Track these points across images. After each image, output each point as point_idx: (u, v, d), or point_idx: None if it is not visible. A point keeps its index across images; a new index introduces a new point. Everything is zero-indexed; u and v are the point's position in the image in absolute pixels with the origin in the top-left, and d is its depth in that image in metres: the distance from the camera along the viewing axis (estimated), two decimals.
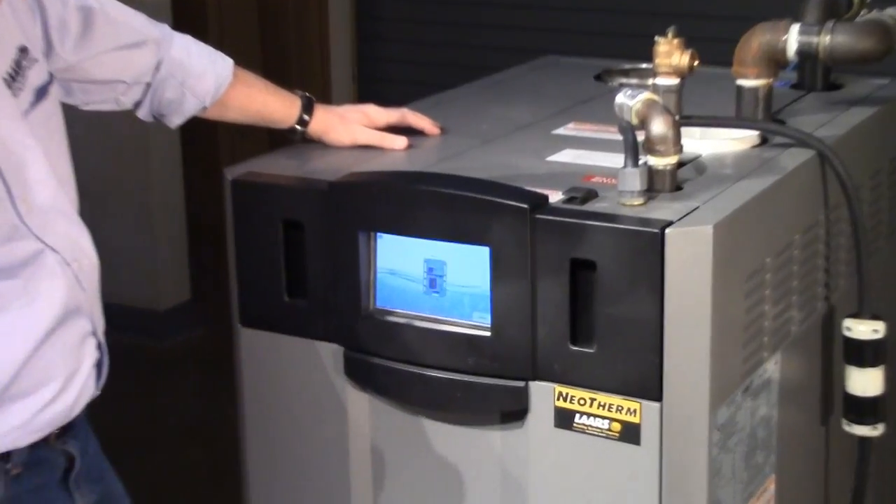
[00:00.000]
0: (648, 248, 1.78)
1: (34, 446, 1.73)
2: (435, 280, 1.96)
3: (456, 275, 1.94)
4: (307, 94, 2.26)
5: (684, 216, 1.82)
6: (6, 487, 1.70)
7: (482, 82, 2.77)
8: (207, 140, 4.74)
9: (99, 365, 1.80)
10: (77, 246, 1.77)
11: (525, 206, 1.86)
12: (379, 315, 2.01)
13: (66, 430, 1.78)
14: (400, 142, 2.21)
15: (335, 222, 2.01)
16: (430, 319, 1.97)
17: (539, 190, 1.92)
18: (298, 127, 2.23)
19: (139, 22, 2.12)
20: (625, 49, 3.00)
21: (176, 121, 2.21)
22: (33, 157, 1.72)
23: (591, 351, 1.85)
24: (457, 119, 2.27)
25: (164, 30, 2.16)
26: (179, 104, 2.17)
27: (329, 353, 2.06)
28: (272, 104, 2.25)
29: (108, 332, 1.87)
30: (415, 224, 1.96)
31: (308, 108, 2.24)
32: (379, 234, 1.99)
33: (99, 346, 1.80)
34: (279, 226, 2.07)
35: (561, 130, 2.29)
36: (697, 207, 1.85)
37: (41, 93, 1.78)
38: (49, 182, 1.74)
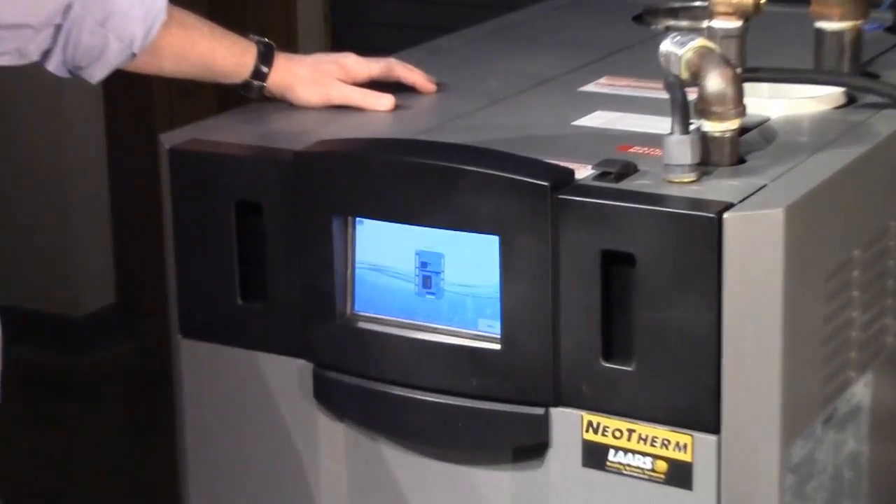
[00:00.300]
0: (702, 237, 1.78)
1: None
2: (430, 278, 1.97)
3: (456, 271, 1.96)
4: (265, 39, 2.24)
5: (748, 197, 1.82)
6: None
7: (490, 25, 2.78)
8: (138, 100, 4.72)
9: None
10: None
11: (545, 183, 1.86)
12: (358, 322, 2.02)
13: None
14: (385, 101, 2.20)
15: (302, 203, 2.01)
16: (423, 328, 1.98)
17: (563, 163, 1.93)
18: (255, 81, 2.22)
19: None
20: None
21: (97, 73, 2.19)
22: None
23: (629, 369, 1.86)
24: (458, 72, 2.27)
25: None
26: (100, 51, 2.15)
27: (295, 371, 2.07)
28: (219, 51, 2.22)
29: (8, 342, 1.91)
30: (404, 206, 1.96)
31: (266, 57, 2.23)
32: (358, 218, 2.00)
33: None
34: (231, 208, 2.07)
35: (591, 87, 2.31)
36: (765, 185, 1.86)
37: None
38: None
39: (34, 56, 2.14)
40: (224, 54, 2.22)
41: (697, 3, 2.62)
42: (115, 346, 4.74)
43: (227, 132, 2.16)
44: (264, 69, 2.22)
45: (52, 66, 2.18)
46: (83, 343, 4.69)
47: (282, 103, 2.27)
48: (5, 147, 4.66)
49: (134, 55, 2.16)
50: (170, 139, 2.13)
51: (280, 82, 2.23)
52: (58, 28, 2.12)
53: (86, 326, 4.74)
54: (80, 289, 4.77)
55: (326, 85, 2.23)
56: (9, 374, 1.88)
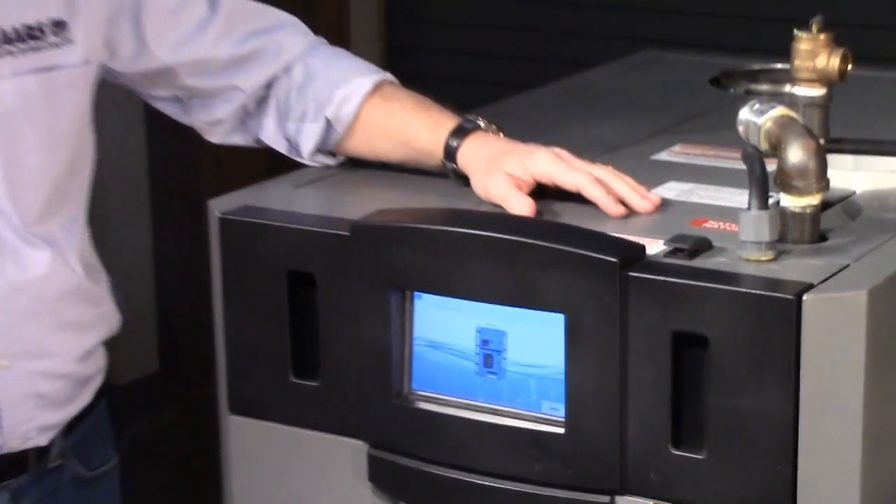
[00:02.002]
0: (780, 319, 1.79)
1: None
2: (491, 357, 1.98)
3: (519, 351, 1.96)
4: (474, 117, 2.20)
5: (829, 277, 1.83)
6: None
7: (559, 86, 2.79)
8: (184, 157, 4.78)
9: None
10: None
11: (614, 259, 1.87)
12: (415, 402, 2.03)
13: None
14: (524, 208, 2.06)
15: (358, 276, 2.03)
16: (483, 409, 1.99)
17: (633, 238, 1.95)
18: (447, 162, 2.18)
19: (268, 13, 2.26)
20: (751, 40, 3.04)
21: (307, 144, 2.25)
22: None
23: (700, 457, 1.86)
24: (524, 137, 2.24)
25: (296, 33, 2.27)
26: (301, 118, 2.23)
27: (349, 451, 2.08)
28: (413, 123, 2.20)
29: None
30: (464, 281, 1.97)
31: (459, 132, 2.17)
32: (416, 293, 2.02)
33: None
34: (283, 279, 2.09)
35: (664, 155, 2.32)
36: (848, 265, 1.87)
37: (46, 69, 2.03)
38: None
39: (254, 127, 2.26)
40: (418, 127, 2.20)
41: (779, 66, 2.60)
42: (156, 417, 4.76)
43: (280, 199, 2.17)
44: (453, 144, 2.17)
45: (268, 133, 2.26)
46: (124, 413, 4.72)
47: (335, 169, 2.28)
48: None
49: (328, 122, 2.21)
50: (220, 205, 2.15)
51: (465, 164, 2.17)
52: (266, 95, 2.22)
53: (127, 396, 4.77)
54: (123, 357, 4.80)
55: (494, 177, 2.11)
56: None
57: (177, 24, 2.19)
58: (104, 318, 2.22)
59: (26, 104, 2.03)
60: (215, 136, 2.30)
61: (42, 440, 2.11)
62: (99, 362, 2.24)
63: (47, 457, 2.13)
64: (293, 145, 2.26)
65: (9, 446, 2.07)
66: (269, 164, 2.30)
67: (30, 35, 2.02)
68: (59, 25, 2.05)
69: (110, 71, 2.20)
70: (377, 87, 2.22)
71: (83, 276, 2.13)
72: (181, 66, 2.21)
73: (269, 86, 2.25)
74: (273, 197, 2.18)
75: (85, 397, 2.19)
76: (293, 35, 2.27)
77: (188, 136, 2.34)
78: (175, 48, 2.19)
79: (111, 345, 4.79)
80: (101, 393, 2.25)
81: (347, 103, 2.20)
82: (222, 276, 2.15)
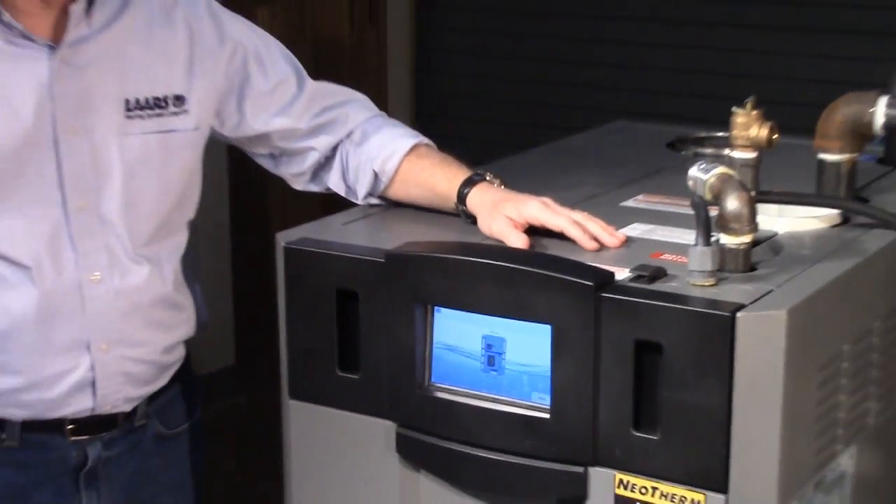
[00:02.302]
0: (718, 332, 1.80)
1: (38, 428, 2.08)
2: (494, 357, 1.98)
3: (515, 353, 1.96)
4: (482, 172, 2.21)
5: (757, 299, 1.83)
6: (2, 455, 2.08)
7: (549, 147, 2.79)
8: (257, 199, 4.79)
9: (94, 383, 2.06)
10: (99, 266, 2.02)
11: (590, 283, 1.88)
12: (434, 391, 2.03)
13: (87, 431, 2.11)
14: (519, 242, 2.06)
15: (391, 294, 2.03)
16: (487, 398, 1.99)
17: (605, 266, 1.94)
18: (460, 205, 2.17)
19: (341, 91, 2.29)
20: (699, 114, 3.04)
21: (360, 191, 2.26)
22: (109, 171, 2.04)
23: (655, 437, 1.86)
24: (522, 187, 2.26)
25: (362, 108, 2.29)
26: (356, 174, 2.24)
27: (381, 430, 2.08)
28: (437, 176, 2.21)
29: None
30: (474, 298, 1.97)
31: (469, 182, 2.17)
32: (436, 307, 2.01)
33: (93, 365, 2.05)
34: (333, 295, 2.09)
35: (630, 202, 2.31)
36: (771, 290, 1.87)
37: (166, 131, 2.09)
38: (112, 198, 2.04)
39: (325, 177, 2.29)
40: (439, 178, 2.20)
41: (720, 134, 2.58)
42: (231, 401, 4.76)
43: (331, 233, 2.17)
44: (465, 191, 2.15)
45: (334, 181, 2.28)
46: (206, 397, 4.72)
47: (378, 208, 2.27)
48: None
49: (376, 174, 2.22)
50: (284, 237, 2.15)
51: (473, 207, 2.15)
52: (333, 155, 2.25)
53: (209, 383, 4.77)
54: (206, 352, 4.80)
55: (495, 219, 2.10)
56: None
57: (271, 102, 2.21)
58: (186, 322, 2.24)
59: (147, 157, 2.08)
60: (298, 185, 2.32)
61: (127, 408, 2.14)
62: (178, 354, 2.25)
63: (133, 418, 2.16)
64: (351, 191, 2.27)
65: (100, 410, 2.10)
66: (322, 205, 2.30)
67: (156, 104, 2.08)
68: (179, 99, 2.10)
69: (218, 134, 2.23)
70: (413, 148, 2.22)
71: (172, 289, 2.16)
72: (273, 133, 2.24)
73: (335, 147, 2.27)
74: (326, 231, 2.18)
75: (164, 379, 2.21)
76: (358, 109, 2.28)
77: (259, 185, 2.35)
78: (269, 120, 2.22)
79: (200, 343, 4.79)
80: (178, 376, 2.27)
81: (391, 160, 2.21)
82: (285, 292, 2.15)
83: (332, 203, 2.33)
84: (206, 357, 4.79)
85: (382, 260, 2.04)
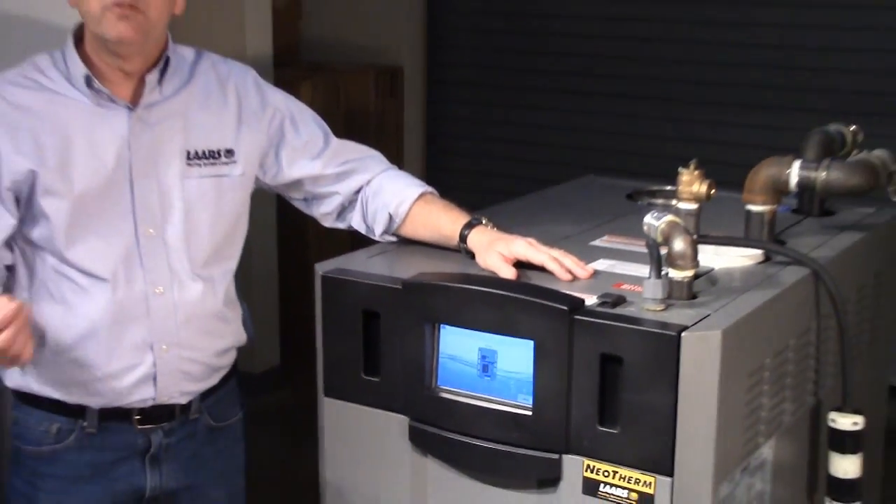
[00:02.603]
0: (667, 347, 1.79)
1: (111, 417, 2.08)
2: (487, 366, 1.97)
3: (505, 362, 1.95)
4: (480, 217, 2.18)
5: (698, 322, 1.83)
6: (82, 440, 2.08)
7: (532, 197, 2.77)
8: (299, 236, 4.78)
9: (155, 377, 2.07)
10: (162, 281, 2.04)
11: (565, 307, 1.87)
12: (439, 392, 2.02)
13: (151, 421, 2.10)
14: (509, 274, 2.04)
15: (406, 314, 2.02)
16: (482, 399, 1.97)
17: (577, 294, 1.94)
18: (461, 243, 2.15)
19: (360, 148, 2.27)
20: (652, 170, 3.03)
21: (378, 230, 2.24)
22: (172, 206, 2.05)
23: (616, 431, 1.86)
24: (510, 230, 2.24)
25: (378, 161, 2.27)
26: (374, 216, 2.22)
27: (397, 423, 2.07)
28: (443, 222, 2.18)
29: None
30: (472, 318, 1.96)
31: (469, 226, 2.15)
32: (442, 325, 2.00)
33: (155, 362, 2.06)
34: (360, 315, 2.08)
35: (597, 242, 2.29)
36: (709, 315, 1.86)
37: (218, 176, 2.11)
38: (175, 227, 2.05)
39: (349, 217, 2.27)
40: (444, 221, 2.18)
41: (668, 188, 2.59)
42: (278, 394, 4.75)
43: (358, 264, 2.16)
44: (465, 232, 2.13)
45: (356, 221, 2.26)
46: (257, 391, 4.70)
47: (397, 244, 2.25)
48: None
49: (392, 218, 2.20)
50: (321, 267, 2.14)
51: (472, 245, 2.13)
52: (356, 199, 2.23)
53: (260, 379, 4.76)
54: (258, 356, 4.80)
55: (490, 255, 2.08)
56: None
57: (302, 154, 2.21)
58: (233, 334, 2.22)
59: (202, 197, 2.08)
60: (327, 223, 2.30)
61: (182, 400, 2.13)
62: (227, 360, 2.23)
63: (188, 411, 2.15)
64: (370, 229, 2.25)
65: (160, 401, 2.09)
66: (351, 242, 2.29)
67: (211, 155, 2.09)
68: (229, 152, 2.11)
69: (263, 183, 2.23)
70: (421, 196, 2.22)
71: (222, 305, 2.15)
72: (304, 179, 2.23)
73: (357, 192, 2.25)
74: (354, 263, 2.17)
75: (214, 379, 2.19)
76: (374, 162, 2.27)
77: (300, 225, 2.35)
78: (300, 169, 2.21)
79: (254, 349, 4.76)
80: (226, 379, 2.24)
81: (402, 205, 2.20)
82: (322, 311, 2.14)
83: (359, 240, 2.32)
84: (258, 360, 4.79)
85: (399, 287, 2.03)
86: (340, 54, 5.43)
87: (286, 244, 4.82)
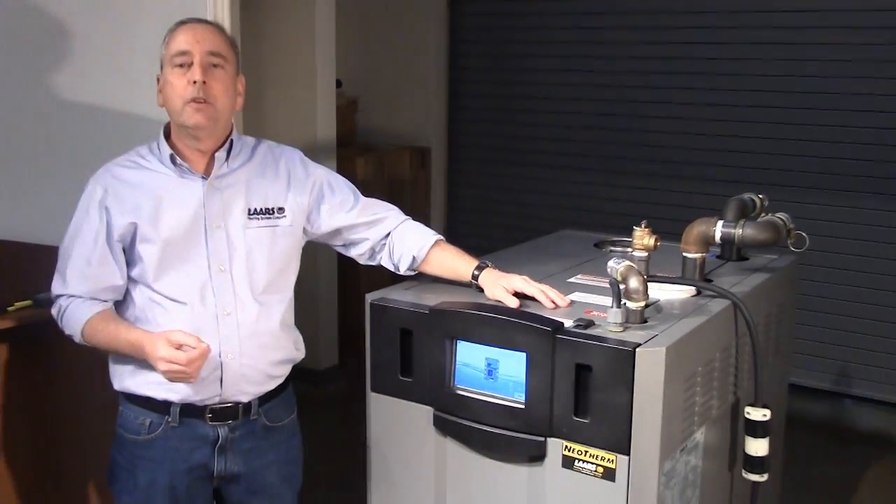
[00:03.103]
0: (625, 359, 1.78)
1: (189, 414, 2.02)
2: (492, 371, 1.95)
3: (505, 368, 1.93)
4: (487, 262, 2.15)
5: (648, 340, 1.81)
6: (167, 431, 2.03)
7: (522, 246, 2.75)
8: (353, 272, 4.76)
9: (221, 379, 2.02)
10: (229, 305, 2.01)
11: (549, 328, 1.86)
12: (456, 390, 2.00)
13: (220, 419, 2.04)
14: (512, 303, 2.02)
15: (432, 332, 2.01)
16: (487, 395, 1.96)
17: (558, 318, 1.92)
18: (473, 281, 2.11)
19: (383, 204, 2.23)
20: (613, 226, 3.02)
21: (402, 267, 2.19)
22: (237, 249, 2.02)
23: (587, 421, 1.84)
24: (508, 270, 2.22)
25: (398, 214, 2.22)
26: (398, 257, 2.18)
27: (424, 413, 2.05)
28: (457, 264, 2.15)
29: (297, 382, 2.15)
30: (481, 335, 1.95)
31: (480, 268, 2.12)
32: (458, 340, 1.99)
33: (221, 367, 2.01)
34: (398, 332, 2.07)
35: (573, 279, 2.28)
36: (657, 335, 1.85)
37: (272, 226, 2.06)
38: (240, 265, 2.02)
39: (378, 258, 2.21)
40: (459, 264, 2.15)
41: (625, 239, 2.55)
42: (336, 387, 4.72)
43: (397, 294, 2.14)
44: (476, 273, 2.10)
45: (384, 260, 2.20)
46: (321, 382, 4.70)
47: (427, 280, 2.21)
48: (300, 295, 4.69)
49: (416, 260, 2.17)
50: (370, 297, 2.12)
51: (482, 283, 2.09)
52: (384, 243, 2.19)
53: (323, 375, 4.76)
54: (320, 354, 4.78)
55: (496, 289, 2.06)
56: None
57: (339, 209, 2.16)
58: (287, 350, 2.14)
59: (259, 242, 2.05)
60: (361, 261, 2.25)
61: (244, 399, 2.06)
62: (282, 371, 2.14)
63: (249, 412, 2.08)
64: (396, 267, 2.20)
65: (225, 398, 2.04)
66: (390, 278, 2.26)
67: (267, 212, 2.06)
68: (281, 209, 2.08)
69: (311, 233, 2.17)
70: (436, 243, 2.18)
71: (277, 326, 2.08)
72: (342, 228, 2.17)
73: (385, 237, 2.20)
74: (394, 293, 2.15)
75: (271, 385, 2.11)
76: (396, 214, 2.23)
77: (354, 263, 2.31)
78: (338, 220, 2.16)
79: (319, 352, 4.75)
80: (283, 387, 2.16)
81: (423, 250, 2.17)
82: (370, 328, 2.12)
83: (398, 277, 2.27)
84: (322, 359, 4.77)
85: (427, 312, 2.02)
86: (385, 138, 5.45)
87: (344, 276, 4.81)
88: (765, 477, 2.12)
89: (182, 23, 2.01)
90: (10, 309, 2.41)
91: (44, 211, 3.08)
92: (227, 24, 2.81)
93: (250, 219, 2.04)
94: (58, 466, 2.60)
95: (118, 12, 2.95)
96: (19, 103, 3.15)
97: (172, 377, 1.91)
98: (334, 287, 4.81)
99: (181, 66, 1.96)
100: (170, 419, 2.03)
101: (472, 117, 5.38)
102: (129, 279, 2.02)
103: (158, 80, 2.02)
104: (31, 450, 2.53)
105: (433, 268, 2.18)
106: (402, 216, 2.24)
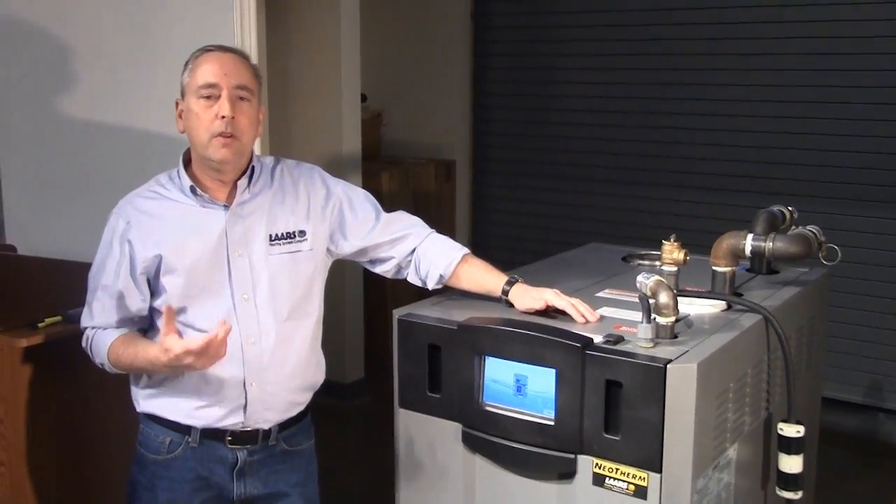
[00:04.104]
0: (656, 375, 1.76)
1: (209, 437, 2.02)
2: (521, 387, 1.94)
3: (534, 385, 1.92)
4: (515, 277, 2.13)
5: (679, 356, 1.80)
6: (186, 451, 2.02)
7: (551, 259, 2.74)
8: (379, 287, 4.77)
9: (245, 406, 2.01)
10: (253, 334, 1.99)
11: (578, 344, 1.85)
12: (485, 406, 1.98)
13: (239, 443, 2.03)
14: (540, 305, 2.03)
15: (460, 347, 2.00)
16: (516, 412, 1.94)
17: (587, 334, 1.91)
18: (503, 296, 2.10)
19: (406, 218, 2.20)
20: (643, 236, 3.01)
21: (430, 284, 2.17)
22: (260, 276, 2.00)
23: (618, 438, 1.82)
24: (537, 284, 2.20)
25: (421, 228, 2.20)
26: (426, 272, 2.16)
27: (452, 429, 2.04)
28: (486, 277, 2.14)
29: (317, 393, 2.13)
30: (509, 351, 1.94)
31: (510, 283, 2.11)
32: (487, 356, 1.97)
33: (245, 395, 2.00)
34: (426, 347, 2.06)
35: (601, 294, 2.27)
36: (687, 350, 1.83)
37: (294, 251, 2.04)
38: (263, 292, 2.00)
39: (404, 273, 2.19)
40: (488, 279, 2.13)
41: (654, 252, 2.53)
42: (361, 400, 4.72)
43: (425, 310, 2.13)
44: (507, 288, 2.09)
45: (411, 277, 2.19)
46: (347, 396, 4.69)
47: (454, 295, 2.20)
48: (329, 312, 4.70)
49: (443, 277, 2.15)
50: (398, 312, 2.12)
51: (512, 298, 2.08)
52: (410, 259, 2.17)
53: (349, 388, 4.75)
54: (346, 368, 4.78)
55: (526, 301, 2.06)
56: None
57: (361, 228, 2.14)
58: (311, 376, 2.12)
59: (281, 266, 2.03)
60: (388, 276, 2.23)
61: (265, 426, 2.05)
62: (304, 398, 2.12)
63: (268, 438, 2.06)
64: (423, 282, 2.18)
65: (248, 426, 2.03)
66: (417, 290, 2.25)
67: (288, 236, 2.04)
68: (302, 233, 2.05)
69: (334, 252, 2.15)
70: (464, 257, 2.16)
71: (302, 353, 2.07)
72: (367, 247, 2.15)
73: (410, 253, 2.18)
74: (421, 309, 2.14)
75: (293, 412, 2.10)
76: (419, 228, 2.20)
77: (380, 277, 2.29)
78: (361, 239, 2.14)
79: (346, 366, 4.75)
80: (304, 414, 2.14)
81: (450, 266, 2.14)
82: (398, 344, 2.11)
83: (424, 293, 2.27)
84: (349, 373, 4.77)
85: (456, 327, 2.01)
86: (410, 151, 5.46)
87: (369, 289, 4.81)
88: (799, 494, 2.09)
89: (207, 50, 1.99)
90: (40, 325, 2.42)
91: (74, 228, 3.11)
92: (253, 49, 2.83)
93: (272, 245, 2.02)
94: (85, 483, 2.61)
95: (146, 35, 2.98)
96: (50, 126, 3.19)
97: (198, 364, 1.85)
98: (360, 300, 4.81)
99: (208, 97, 1.94)
100: (190, 439, 2.02)
101: (496, 130, 5.37)
102: (153, 309, 2.02)
103: (177, 104, 2.01)
104: (59, 465, 2.54)
105: (461, 283, 2.16)
106: (427, 230, 2.22)
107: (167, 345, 1.84)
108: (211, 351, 1.83)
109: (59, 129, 3.18)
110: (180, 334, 1.87)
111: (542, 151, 5.19)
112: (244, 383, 1.99)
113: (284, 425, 2.08)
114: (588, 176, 5.04)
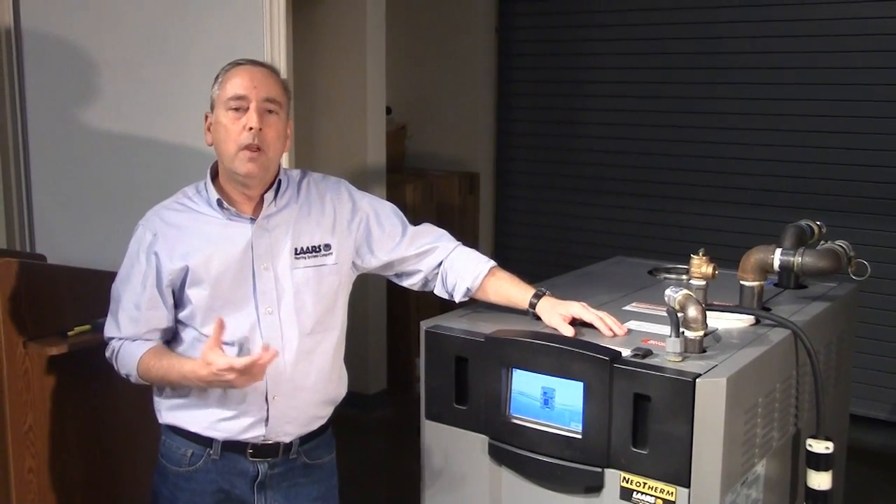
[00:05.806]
0: (685, 390, 1.75)
1: (230, 449, 2.01)
2: (548, 400, 1.93)
3: (561, 398, 1.91)
4: (543, 290, 2.12)
5: (708, 371, 1.79)
6: (208, 464, 2.02)
7: (576, 272, 2.73)
8: (404, 300, 4.77)
9: (267, 419, 2.01)
10: (276, 344, 1.97)
11: (607, 358, 1.84)
12: (512, 419, 1.98)
13: (260, 456, 2.03)
14: (568, 331, 2.01)
15: (487, 360, 1.99)
16: (543, 424, 1.94)
17: (615, 347, 1.90)
18: (530, 309, 2.10)
19: (432, 231, 2.20)
20: (670, 252, 3.00)
21: (457, 296, 2.16)
22: (284, 290, 1.99)
23: (646, 452, 1.81)
24: (564, 297, 2.19)
25: (448, 240, 2.19)
26: (453, 286, 2.15)
27: (479, 441, 2.03)
28: (512, 290, 2.13)
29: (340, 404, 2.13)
30: (536, 364, 1.93)
31: (536, 296, 2.09)
32: (514, 368, 1.97)
33: (267, 409, 2.00)
34: (453, 359, 2.05)
35: (628, 307, 2.26)
36: (716, 365, 1.82)
37: (319, 265, 2.03)
38: (287, 306, 1.99)
39: (431, 286, 2.18)
40: (515, 292, 2.13)
41: (683, 267, 2.54)
42: (384, 412, 4.72)
43: (452, 322, 2.13)
44: (534, 301, 2.08)
45: (438, 290, 2.18)
46: (370, 407, 4.69)
47: (480, 307, 2.19)
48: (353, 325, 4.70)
49: (470, 290, 2.14)
50: (425, 324, 2.12)
51: (539, 311, 2.07)
52: (437, 272, 2.16)
53: (371, 399, 4.75)
54: (369, 379, 4.78)
55: (552, 315, 2.04)
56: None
57: (387, 242, 2.14)
58: (333, 391, 2.12)
59: (306, 280, 2.02)
60: (415, 289, 2.24)
61: (286, 439, 2.05)
62: (327, 411, 2.12)
63: (289, 451, 2.06)
64: (450, 295, 2.18)
65: (269, 439, 2.02)
66: (440, 302, 2.25)
67: (313, 250, 2.04)
68: (327, 246, 2.05)
69: (360, 266, 2.15)
70: (490, 270, 2.16)
71: (324, 367, 2.06)
72: (393, 261, 2.15)
73: (437, 266, 2.18)
74: (449, 321, 2.14)
75: (314, 426, 2.10)
76: (447, 241, 2.20)
77: (403, 289, 2.29)
78: (387, 254, 2.14)
79: (369, 377, 4.74)
80: (325, 428, 2.14)
81: (477, 279, 2.14)
82: (425, 356, 2.10)
83: (449, 306, 2.27)
84: (371, 384, 4.76)
85: (483, 340, 2.00)
86: (434, 164, 5.47)
87: (393, 302, 4.80)
88: None
89: (238, 64, 2.00)
90: (70, 334, 2.44)
91: (103, 238, 3.14)
92: (282, 63, 2.84)
93: (297, 258, 2.02)
94: (111, 491, 2.62)
95: (176, 49, 3.01)
96: (80, 137, 3.23)
97: (235, 382, 1.88)
98: (383, 311, 4.81)
99: (236, 109, 1.95)
100: (211, 451, 2.02)
101: (520, 142, 5.38)
102: (177, 321, 2.02)
103: (206, 117, 2.02)
104: (85, 473, 2.55)
105: (489, 295, 2.16)
106: (453, 243, 2.22)
107: (210, 358, 1.85)
108: (254, 370, 1.85)
109: (88, 141, 3.21)
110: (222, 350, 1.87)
111: (566, 164, 5.19)
112: (266, 396, 1.99)
113: (305, 439, 2.08)
114: (612, 189, 5.03)
